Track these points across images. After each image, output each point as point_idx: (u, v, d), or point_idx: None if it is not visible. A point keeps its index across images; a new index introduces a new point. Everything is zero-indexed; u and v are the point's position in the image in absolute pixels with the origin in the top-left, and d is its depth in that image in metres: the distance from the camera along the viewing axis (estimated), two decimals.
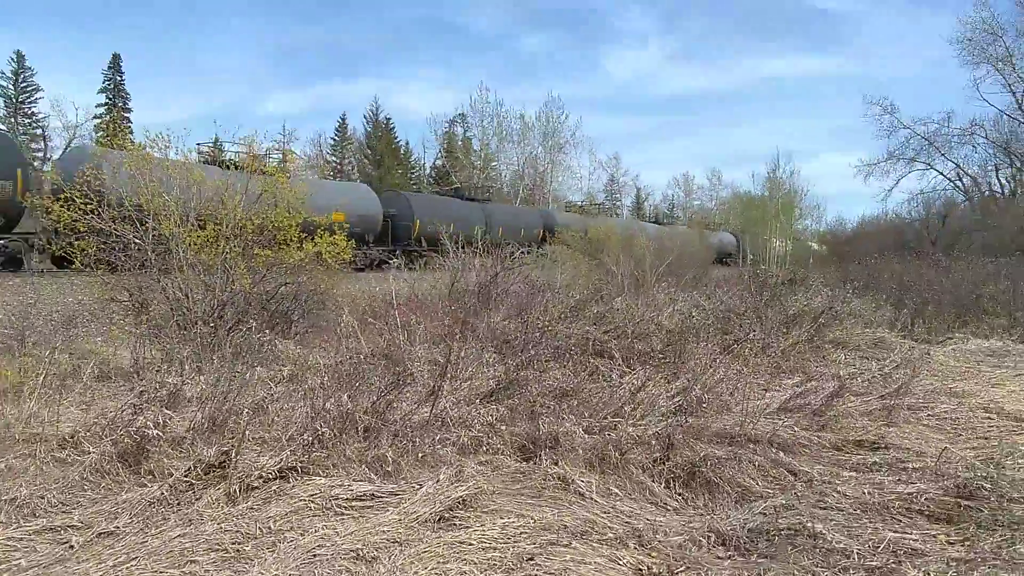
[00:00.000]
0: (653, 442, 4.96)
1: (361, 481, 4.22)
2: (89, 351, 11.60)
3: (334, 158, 47.03)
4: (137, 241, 9.34)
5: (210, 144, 22.22)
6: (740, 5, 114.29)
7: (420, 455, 4.63)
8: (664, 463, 4.78)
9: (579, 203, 47.04)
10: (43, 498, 4.06)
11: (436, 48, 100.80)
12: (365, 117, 45.74)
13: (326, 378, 5.92)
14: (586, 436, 4.94)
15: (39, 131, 43.92)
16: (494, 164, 52.95)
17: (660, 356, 7.50)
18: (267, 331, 9.66)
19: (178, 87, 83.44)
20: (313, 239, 9.86)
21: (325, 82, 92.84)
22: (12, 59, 44.75)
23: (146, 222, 9.29)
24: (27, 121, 44.97)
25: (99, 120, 47.57)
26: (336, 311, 10.87)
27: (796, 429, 5.87)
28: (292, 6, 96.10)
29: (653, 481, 4.62)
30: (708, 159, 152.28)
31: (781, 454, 5.31)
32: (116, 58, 48.20)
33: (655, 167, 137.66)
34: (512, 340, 7.44)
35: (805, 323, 9.58)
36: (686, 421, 5.32)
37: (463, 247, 13.83)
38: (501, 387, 5.78)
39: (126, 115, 48.74)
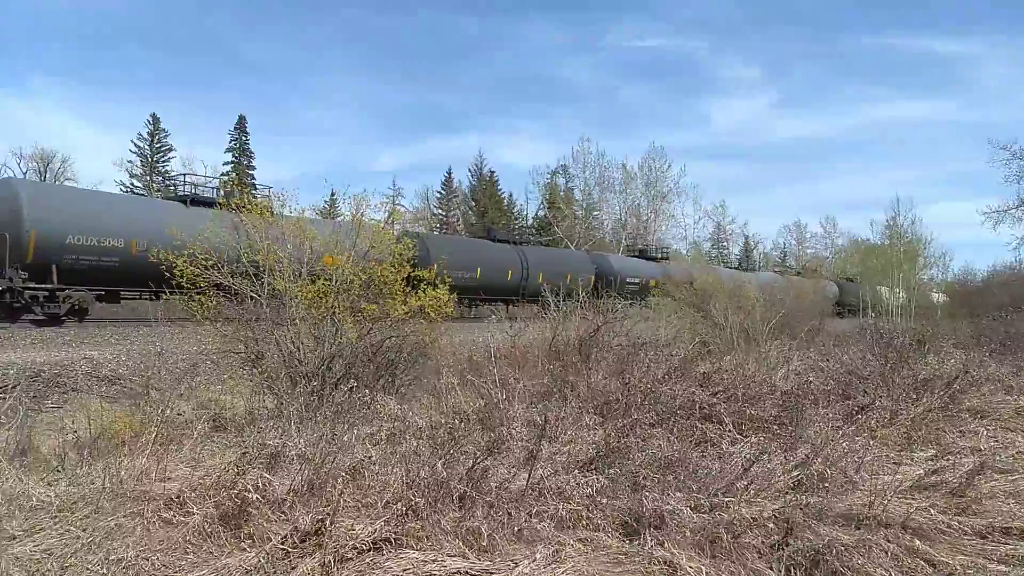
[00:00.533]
0: (770, 524, 4.55)
1: (455, 557, 4.05)
2: (208, 400, 12.16)
3: (440, 211, 48.34)
4: (253, 295, 9.74)
5: (325, 201, 23.33)
6: (846, 51, 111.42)
7: (516, 529, 4.43)
8: (783, 548, 4.37)
9: (637, 247, 44.79)
10: (148, 560, 4.11)
11: (536, 102, 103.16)
12: (470, 171, 47.25)
13: (422, 441, 5.84)
14: (694, 515, 4.60)
15: (171, 187, 47.49)
16: (596, 214, 52.95)
17: (775, 423, 7.01)
18: (370, 387, 9.82)
19: (295, 145, 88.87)
20: (416, 292, 9.98)
21: (429, 138, 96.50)
22: (148, 122, 48.87)
23: (262, 277, 9.69)
24: (160, 179, 48.71)
25: (224, 176, 51.00)
26: (437, 363, 10.90)
27: (932, 512, 5.29)
28: (400, 69, 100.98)
29: (771, 569, 4.22)
30: (820, 206, 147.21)
31: (917, 541, 4.77)
32: (242, 119, 51.82)
33: (764, 215, 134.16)
34: (613, 401, 7.16)
35: (937, 388, 8.78)
36: (807, 500, 4.87)
37: (564, 297, 13.69)
38: (602, 455, 5.51)
39: (250, 172, 52.03)
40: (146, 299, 22.57)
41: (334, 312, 9.00)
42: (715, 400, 7.44)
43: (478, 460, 4.94)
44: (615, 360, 10.34)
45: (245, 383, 15.03)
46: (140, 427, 9.80)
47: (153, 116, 48.64)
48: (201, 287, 9.44)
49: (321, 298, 8.80)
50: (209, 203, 22.87)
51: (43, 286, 18.92)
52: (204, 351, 16.55)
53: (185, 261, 9.36)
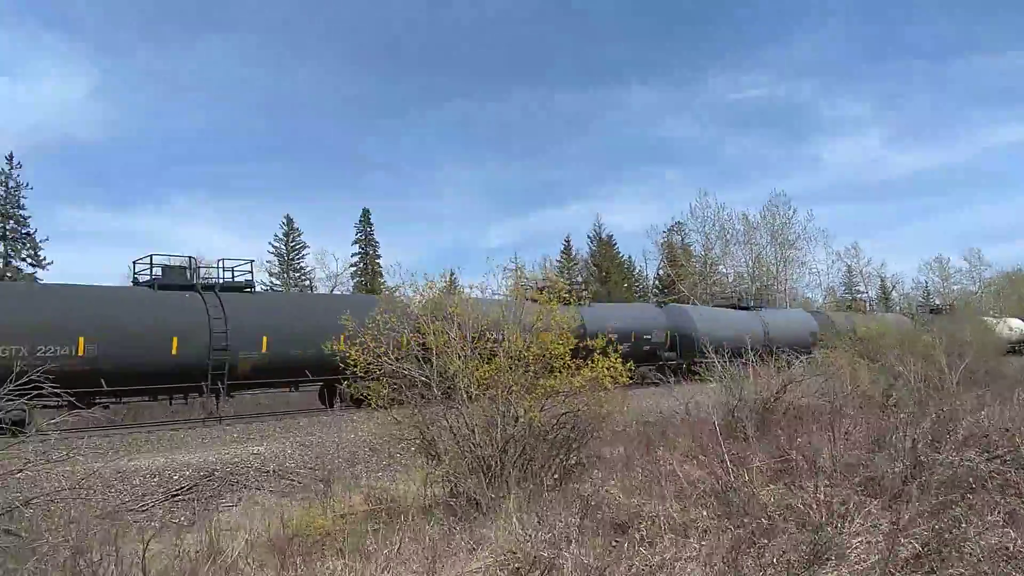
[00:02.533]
0: None
1: None
2: (379, 490, 11.99)
3: (561, 279, 47.98)
4: (422, 378, 9.56)
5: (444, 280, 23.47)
6: (963, 76, 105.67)
7: None
8: None
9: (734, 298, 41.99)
10: None
11: (641, 164, 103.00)
12: (589, 236, 47.17)
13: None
14: None
15: (307, 283, 49.80)
16: (720, 268, 51.34)
17: None
18: (548, 467, 9.30)
19: (413, 231, 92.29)
20: (587, 362, 9.49)
21: (535, 211, 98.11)
22: (283, 223, 51.93)
23: (430, 359, 9.52)
24: (296, 275, 51.32)
25: (354, 267, 53.20)
26: (613, 435, 10.28)
27: None
28: (503, 149, 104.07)
29: None
30: (963, 239, 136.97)
31: None
32: (366, 212, 54.24)
33: (897, 254, 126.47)
34: (877, 476, 6.21)
35: None
36: None
37: (731, 358, 12.83)
38: (920, 554, 4.41)
39: (377, 260, 54.05)
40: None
41: (509, 390, 8.63)
42: (1003, 467, 6.28)
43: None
44: (816, 425, 9.36)
45: (418, 471, 14.91)
46: (331, 523, 9.73)
47: (287, 217, 51.77)
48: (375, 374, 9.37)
49: (496, 376, 8.46)
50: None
51: None
52: (366, 439, 16.67)
53: (358, 350, 9.32)
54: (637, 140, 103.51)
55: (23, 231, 33.85)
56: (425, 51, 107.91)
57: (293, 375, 20.37)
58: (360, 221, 53.78)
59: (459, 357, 8.97)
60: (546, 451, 9.29)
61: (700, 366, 13.64)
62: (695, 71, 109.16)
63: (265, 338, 19.32)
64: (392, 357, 9.51)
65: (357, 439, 16.62)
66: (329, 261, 51.42)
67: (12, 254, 33.65)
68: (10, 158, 34.95)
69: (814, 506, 6.21)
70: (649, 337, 26.64)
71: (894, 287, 76.49)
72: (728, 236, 51.38)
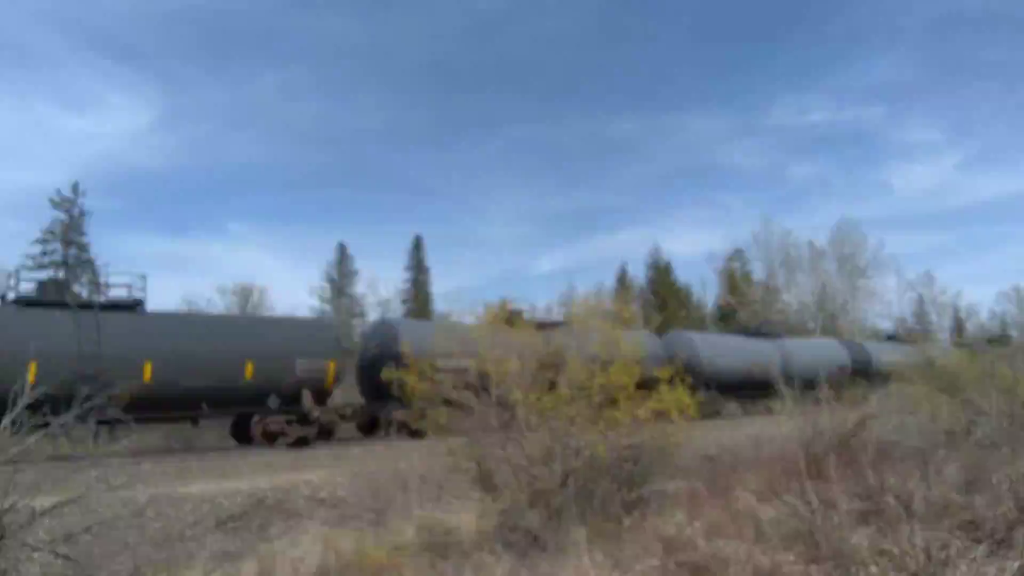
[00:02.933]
0: None
1: None
2: (431, 521, 11.59)
3: (615, 307, 47.11)
4: (480, 408, 9.18)
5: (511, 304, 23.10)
6: None
7: None
8: None
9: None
10: None
11: (700, 189, 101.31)
12: (646, 263, 46.47)
13: None
14: None
15: (358, 309, 50.22)
16: (785, 297, 49.85)
17: None
18: (612, 503, 8.78)
19: (463, 257, 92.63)
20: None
21: (587, 238, 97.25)
22: (336, 250, 52.61)
23: (488, 388, 9.15)
24: (348, 301, 51.79)
25: (405, 294, 53.45)
26: (675, 469, 9.67)
27: None
28: (557, 174, 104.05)
29: None
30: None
31: None
32: (418, 239, 54.61)
33: (974, 283, 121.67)
34: (978, 518, 5.63)
35: None
36: None
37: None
38: None
39: (428, 287, 54.27)
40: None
41: (572, 421, 8.17)
42: None
43: None
44: (901, 462, 8.65)
45: (473, 503, 14.46)
46: (387, 557, 9.36)
47: (340, 245, 52.49)
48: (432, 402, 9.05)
49: (559, 407, 8.01)
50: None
51: None
52: (416, 468, 16.33)
53: (417, 377, 9.02)
54: (694, 165, 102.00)
55: (84, 257, 34.88)
56: (478, 76, 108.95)
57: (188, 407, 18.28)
58: (412, 248, 54.17)
59: (519, 387, 8.55)
60: (608, 485, 8.79)
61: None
62: (756, 95, 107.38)
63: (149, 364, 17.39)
64: (449, 385, 9.16)
65: (408, 468, 16.30)
66: (380, 287, 51.79)
67: (73, 280, 34.66)
68: (75, 187, 36.23)
69: (911, 551, 5.66)
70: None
71: (969, 317, 73.23)
72: (793, 263, 49.91)
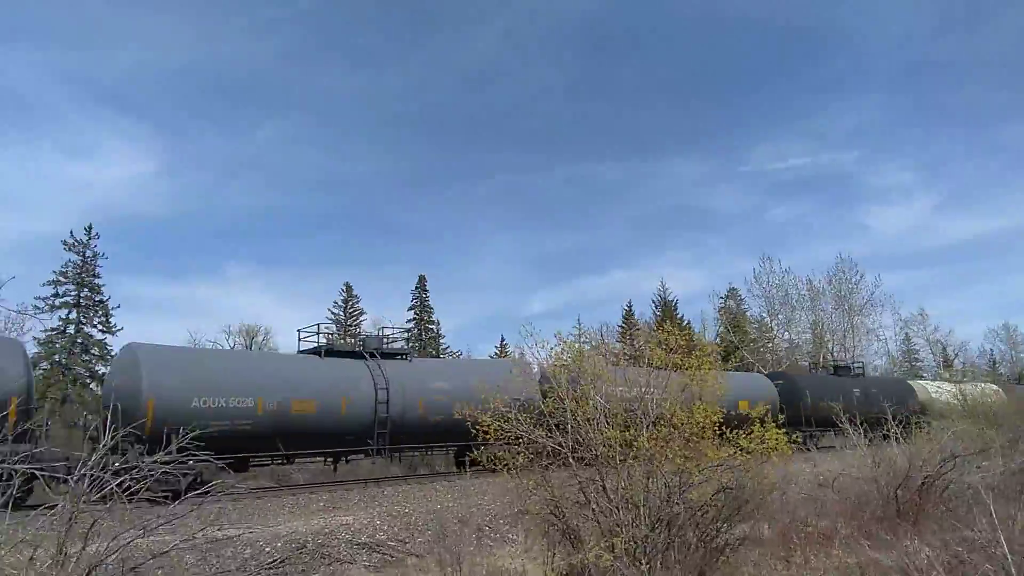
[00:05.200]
0: None
1: None
2: (497, 568, 11.16)
3: (619, 344, 47.09)
4: (555, 446, 8.87)
5: (496, 347, 23.10)
6: (1007, 144, 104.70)
7: None
8: None
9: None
10: None
11: (684, 231, 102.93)
12: (653, 301, 46.41)
13: None
14: None
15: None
16: (786, 334, 49.92)
17: None
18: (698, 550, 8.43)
19: (460, 298, 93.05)
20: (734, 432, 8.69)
21: (577, 279, 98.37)
22: (342, 290, 52.28)
23: (565, 426, 8.85)
24: (352, 340, 51.27)
25: (408, 332, 52.93)
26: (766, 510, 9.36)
27: None
28: (546, 219, 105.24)
29: None
30: (1019, 306, 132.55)
31: None
32: (422, 279, 54.38)
33: (959, 321, 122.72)
34: None
35: None
36: None
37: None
38: None
39: (430, 327, 53.81)
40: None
41: (662, 461, 7.87)
42: None
43: None
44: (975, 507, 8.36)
45: (518, 545, 13.94)
46: None
47: (347, 285, 52.25)
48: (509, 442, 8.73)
49: (656, 447, 7.72)
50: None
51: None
52: (454, 509, 15.86)
53: (491, 416, 8.72)
54: (678, 208, 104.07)
55: (96, 299, 34.38)
56: (469, 125, 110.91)
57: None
58: (416, 288, 53.95)
59: (606, 426, 8.27)
60: (695, 530, 8.46)
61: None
62: (736, 141, 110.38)
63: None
64: (523, 421, 8.86)
65: (443, 509, 15.86)
66: (385, 326, 51.36)
67: (84, 321, 34.08)
68: (88, 229, 35.88)
69: None
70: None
71: (956, 355, 73.55)
72: (793, 302, 50.10)
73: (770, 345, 52.42)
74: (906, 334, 68.03)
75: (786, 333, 50.59)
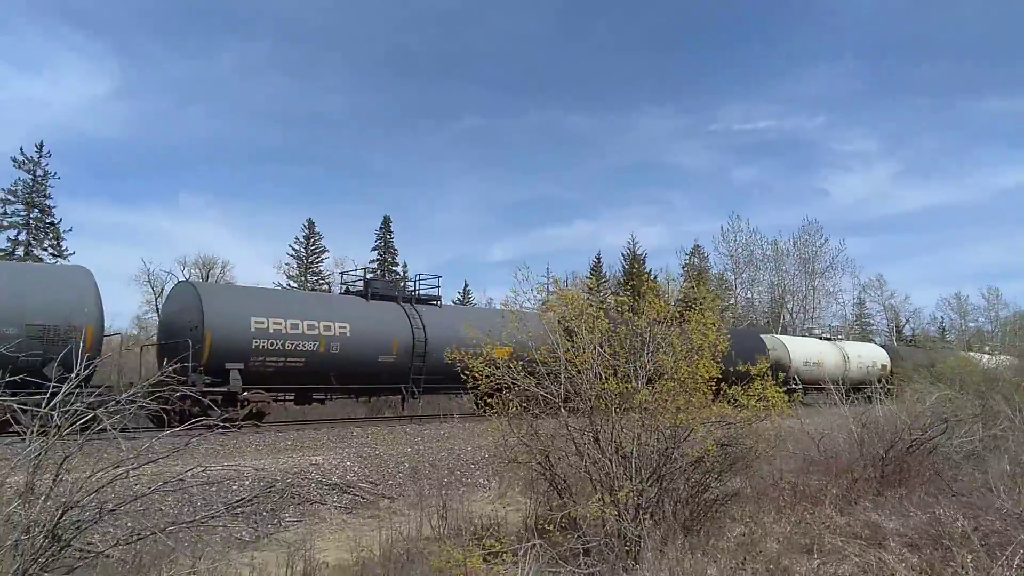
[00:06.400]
0: None
1: None
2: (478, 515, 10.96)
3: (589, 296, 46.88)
4: (544, 395, 8.57)
5: (459, 292, 23.27)
6: (966, 118, 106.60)
7: None
8: None
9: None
10: None
11: (648, 187, 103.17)
12: (623, 255, 46.29)
13: None
14: None
15: (325, 286, 48.77)
16: (748, 294, 50.54)
17: None
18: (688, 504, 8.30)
19: (422, 242, 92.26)
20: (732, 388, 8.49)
21: (540, 229, 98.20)
22: (304, 226, 50.98)
23: (558, 375, 8.54)
24: (314, 278, 50.33)
25: (372, 273, 52.18)
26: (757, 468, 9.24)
27: None
28: (514, 167, 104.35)
29: None
30: (980, 276, 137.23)
31: None
32: (387, 220, 53.33)
33: (915, 289, 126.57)
34: None
35: None
36: None
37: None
38: None
39: (393, 269, 53.09)
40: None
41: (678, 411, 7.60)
42: None
43: None
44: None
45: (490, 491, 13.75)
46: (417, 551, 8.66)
47: (309, 221, 50.82)
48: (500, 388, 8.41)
49: (664, 399, 7.46)
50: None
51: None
52: (424, 453, 15.64)
53: (482, 362, 8.35)
54: (645, 164, 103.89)
55: (47, 221, 32.81)
56: (439, 66, 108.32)
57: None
58: (380, 228, 52.95)
59: (602, 376, 7.99)
60: (687, 485, 8.31)
61: None
62: (705, 100, 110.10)
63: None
64: (517, 370, 8.53)
65: (414, 452, 15.63)
66: (348, 266, 50.46)
67: (34, 243, 32.59)
68: (40, 147, 34.01)
69: None
70: None
71: (907, 321, 75.72)
72: (758, 262, 50.60)
73: (731, 303, 53.10)
74: (861, 298, 69.75)
75: (749, 293, 51.22)
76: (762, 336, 29.46)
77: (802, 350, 30.44)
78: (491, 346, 8.53)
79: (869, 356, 35.32)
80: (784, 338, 31.38)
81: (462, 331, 19.68)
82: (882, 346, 40.03)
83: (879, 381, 19.08)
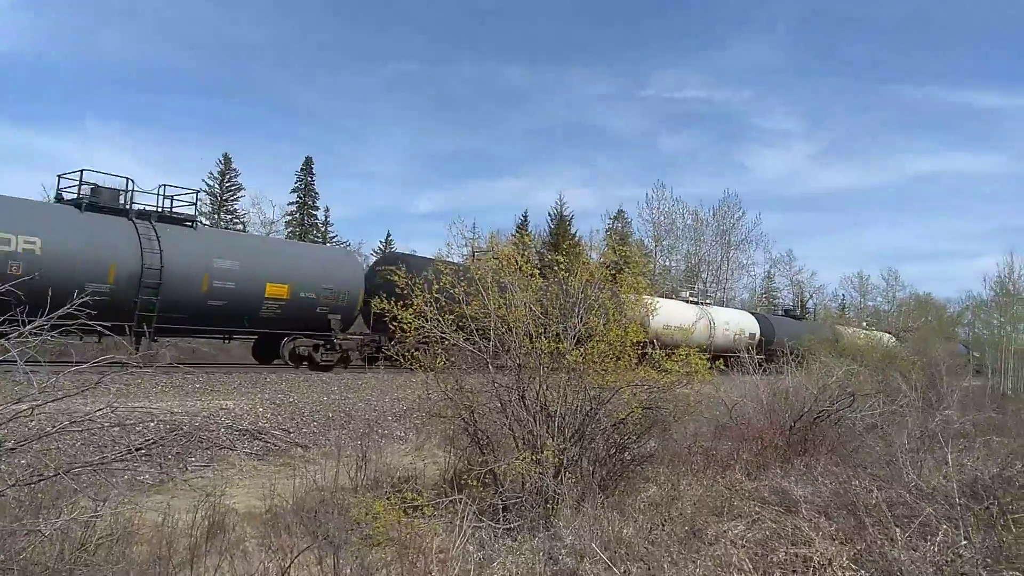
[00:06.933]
0: None
1: None
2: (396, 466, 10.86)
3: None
4: (472, 350, 8.51)
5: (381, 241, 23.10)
6: (886, 104, 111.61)
7: None
8: None
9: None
10: None
11: (578, 148, 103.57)
12: (549, 215, 46.34)
13: None
14: None
15: (240, 225, 46.98)
16: (666, 262, 51.75)
17: None
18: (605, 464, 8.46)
19: (347, 188, 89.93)
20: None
21: (468, 183, 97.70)
22: (219, 161, 48.71)
23: (487, 331, 8.46)
24: (229, 217, 48.39)
25: (290, 217, 50.57)
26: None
27: None
28: (444, 117, 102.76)
29: None
30: (882, 257, 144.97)
31: None
32: (308, 161, 51.49)
33: (823, 266, 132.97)
34: None
35: None
36: None
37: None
38: None
39: (313, 212, 51.60)
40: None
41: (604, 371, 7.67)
42: None
43: None
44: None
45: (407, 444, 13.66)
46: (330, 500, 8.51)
47: (225, 156, 48.42)
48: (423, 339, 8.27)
49: (594, 360, 7.49)
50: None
51: None
52: (338, 403, 15.40)
53: (411, 312, 8.17)
54: (576, 124, 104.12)
55: None
56: (369, 5, 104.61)
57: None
58: (301, 169, 51.16)
59: (531, 334, 7.96)
60: (606, 444, 8.47)
61: None
62: (640, 64, 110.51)
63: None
64: (445, 323, 8.40)
65: (330, 402, 15.39)
66: (265, 207, 48.66)
67: None
68: None
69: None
70: None
71: (811, 296, 79.36)
72: (679, 231, 51.76)
73: (648, 269, 54.33)
74: (771, 272, 72.62)
75: (667, 260, 52.46)
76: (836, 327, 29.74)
77: (664, 312, 26.12)
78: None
79: (737, 324, 33.92)
80: (645, 297, 31.15)
81: (226, 261, 17.52)
82: (753, 314, 38.59)
83: (747, 351, 18.16)
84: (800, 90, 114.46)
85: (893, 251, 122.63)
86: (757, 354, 15.49)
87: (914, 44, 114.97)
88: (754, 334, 34.24)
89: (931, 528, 5.42)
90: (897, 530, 4.88)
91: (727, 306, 42.01)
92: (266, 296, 18.45)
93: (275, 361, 20.22)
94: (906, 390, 14.42)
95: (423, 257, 24.84)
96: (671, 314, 27.79)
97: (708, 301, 38.28)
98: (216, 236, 20.22)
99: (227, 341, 21.38)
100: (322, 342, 19.96)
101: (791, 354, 13.45)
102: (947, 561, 4.63)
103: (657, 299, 29.86)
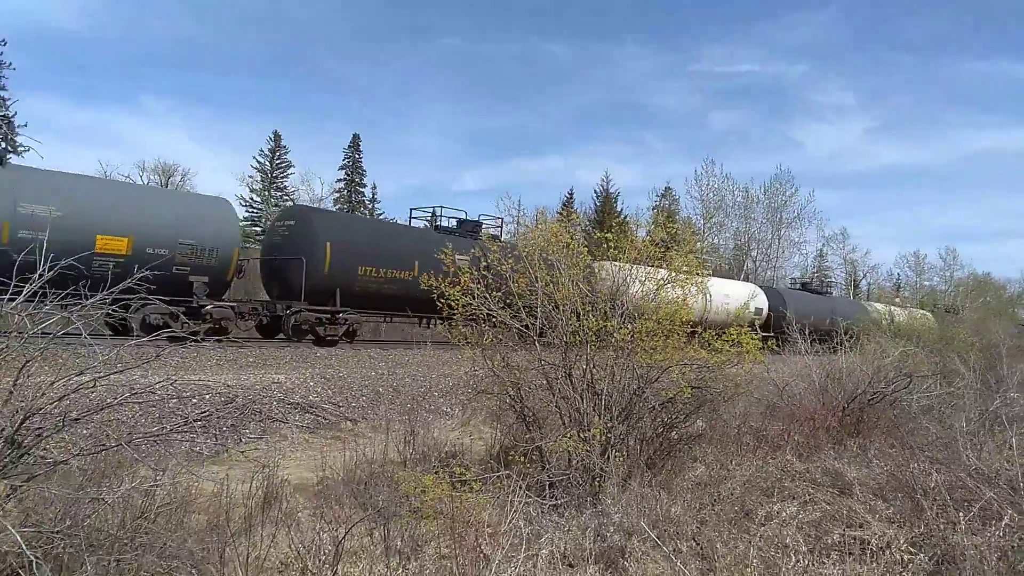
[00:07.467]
0: None
1: None
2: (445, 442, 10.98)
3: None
4: (520, 328, 8.50)
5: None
6: (943, 78, 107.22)
7: None
8: None
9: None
10: None
11: (625, 125, 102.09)
12: (595, 192, 45.91)
13: None
14: None
15: (289, 202, 47.75)
16: (715, 241, 50.96)
17: None
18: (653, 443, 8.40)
19: (393, 165, 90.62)
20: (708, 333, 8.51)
21: (513, 160, 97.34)
22: (270, 139, 49.46)
23: (534, 311, 8.45)
24: (279, 193, 49.20)
25: (338, 194, 51.18)
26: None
27: None
28: (491, 94, 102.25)
29: None
30: (941, 236, 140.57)
31: None
32: (356, 138, 52.00)
33: (878, 244, 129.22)
34: None
35: None
36: None
37: None
38: None
39: (361, 189, 52.12)
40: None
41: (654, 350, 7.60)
42: None
43: None
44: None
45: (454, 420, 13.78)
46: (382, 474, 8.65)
47: (275, 133, 49.20)
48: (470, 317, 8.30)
49: (642, 338, 7.43)
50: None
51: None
52: (385, 378, 15.61)
53: (460, 291, 8.20)
54: (622, 102, 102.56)
55: (0, 114, 31.10)
56: None
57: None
58: (349, 146, 51.73)
59: (579, 312, 7.92)
60: (654, 423, 8.40)
61: None
62: (687, 38, 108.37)
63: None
64: (493, 300, 8.40)
65: (377, 376, 15.61)
66: (314, 184, 49.35)
67: None
68: None
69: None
70: None
71: (864, 275, 77.39)
72: (728, 208, 50.85)
73: (697, 247, 53.53)
74: (823, 250, 70.94)
75: (715, 238, 51.64)
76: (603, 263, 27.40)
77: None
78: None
79: (738, 297, 28.79)
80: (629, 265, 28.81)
81: (38, 206, 13.72)
82: (762, 287, 34.24)
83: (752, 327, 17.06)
84: (856, 64, 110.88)
85: (949, 229, 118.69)
86: (764, 333, 14.39)
87: (975, 17, 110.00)
88: (760, 309, 30.55)
89: (992, 513, 5.26)
90: (960, 514, 4.74)
91: (775, 284, 41.10)
92: (96, 251, 14.56)
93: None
94: (964, 372, 13.96)
95: (329, 211, 23.94)
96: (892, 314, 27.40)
97: (707, 272, 34.61)
98: (26, 174, 15.21)
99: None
100: (183, 310, 16.16)
101: (810, 334, 12.37)
102: (1013, 547, 4.49)
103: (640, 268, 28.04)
